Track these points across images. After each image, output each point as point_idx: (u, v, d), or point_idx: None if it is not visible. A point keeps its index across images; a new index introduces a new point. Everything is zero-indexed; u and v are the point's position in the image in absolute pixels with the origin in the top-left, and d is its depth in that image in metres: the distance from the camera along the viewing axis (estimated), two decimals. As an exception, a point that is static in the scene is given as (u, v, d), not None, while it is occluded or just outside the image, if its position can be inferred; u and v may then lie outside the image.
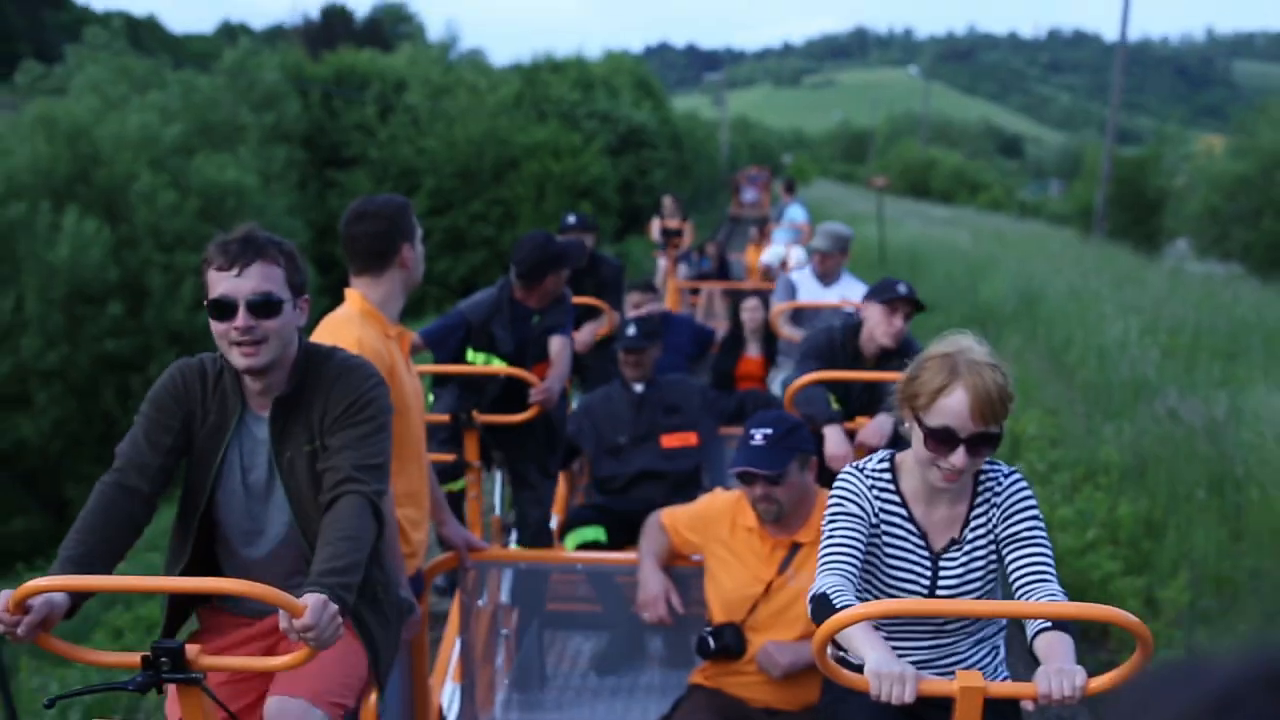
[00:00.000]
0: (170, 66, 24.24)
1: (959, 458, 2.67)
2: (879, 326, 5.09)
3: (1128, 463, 8.01)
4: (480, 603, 4.34)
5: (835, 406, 5.16)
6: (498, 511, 5.73)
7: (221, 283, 2.75)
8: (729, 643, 3.72)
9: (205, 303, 2.78)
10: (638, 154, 29.29)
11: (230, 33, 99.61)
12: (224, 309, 2.74)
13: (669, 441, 5.77)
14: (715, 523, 3.88)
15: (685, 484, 5.67)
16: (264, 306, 2.74)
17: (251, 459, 2.89)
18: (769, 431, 3.69)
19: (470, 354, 5.50)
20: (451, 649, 4.36)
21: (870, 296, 5.25)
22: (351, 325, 3.53)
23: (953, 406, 2.66)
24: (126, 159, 15.76)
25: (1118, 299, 13.91)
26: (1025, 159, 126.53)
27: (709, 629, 3.78)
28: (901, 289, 5.13)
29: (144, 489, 2.77)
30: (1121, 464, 8.00)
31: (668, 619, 3.91)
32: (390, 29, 61.56)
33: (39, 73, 28.39)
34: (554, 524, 5.94)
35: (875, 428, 4.96)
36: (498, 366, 5.30)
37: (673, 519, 4.01)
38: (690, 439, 5.79)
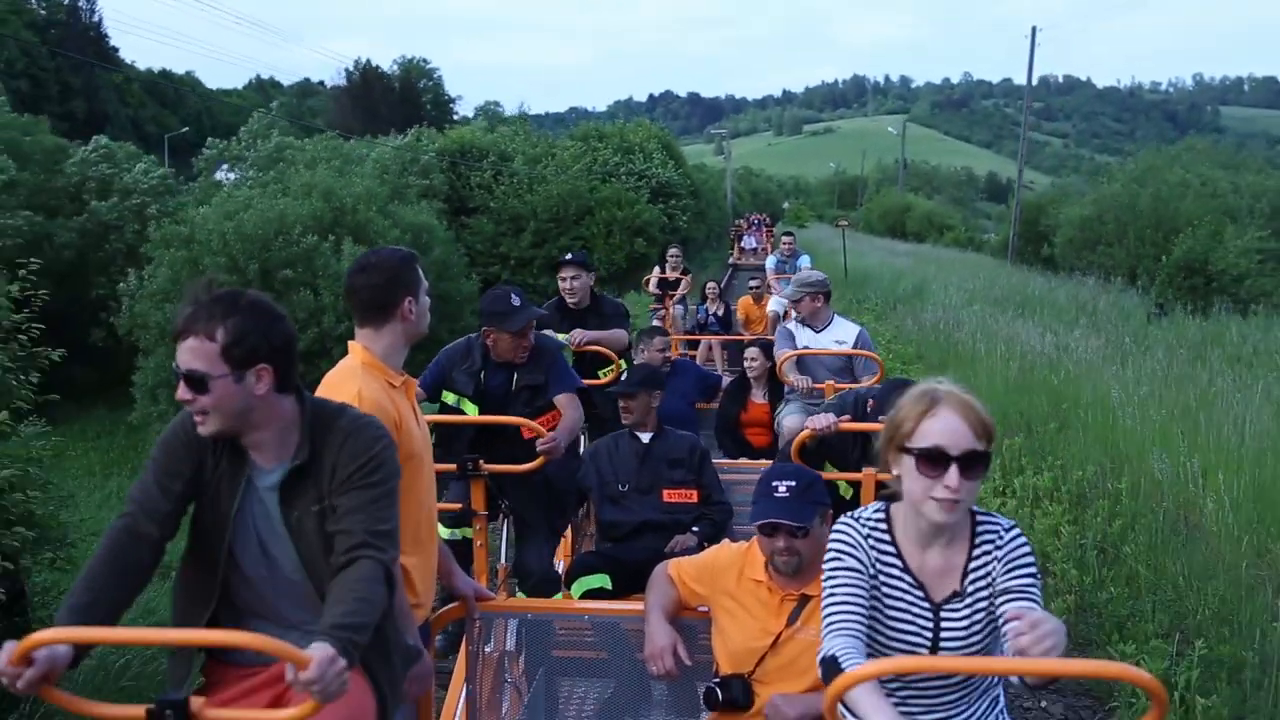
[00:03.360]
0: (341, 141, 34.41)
1: (953, 478, 2.59)
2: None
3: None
4: (487, 649, 4.25)
5: (847, 497, 5.31)
6: (504, 560, 5.77)
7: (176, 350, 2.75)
8: (736, 695, 3.64)
9: None
10: (667, 203, 39.09)
11: (263, 88, 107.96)
12: (175, 377, 2.75)
13: (670, 495, 5.75)
14: (722, 574, 3.77)
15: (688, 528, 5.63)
16: (189, 381, 2.71)
17: (262, 519, 2.86)
18: (792, 484, 3.60)
19: (445, 394, 5.56)
20: (457, 698, 4.16)
21: (881, 406, 5.11)
22: (353, 378, 3.46)
23: (940, 425, 2.62)
24: (362, 208, 25.69)
25: (965, 285, 24.02)
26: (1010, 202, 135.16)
27: (716, 680, 3.69)
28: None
29: (154, 534, 2.74)
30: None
31: (675, 672, 3.70)
32: (416, 81, 68.84)
33: (221, 146, 38.70)
34: (560, 568, 5.88)
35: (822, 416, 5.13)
36: (504, 417, 5.23)
37: (679, 570, 3.87)
38: (691, 495, 5.75)
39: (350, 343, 3.65)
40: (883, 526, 2.82)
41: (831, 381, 7.29)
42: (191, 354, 2.70)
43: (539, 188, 32.97)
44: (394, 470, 2.86)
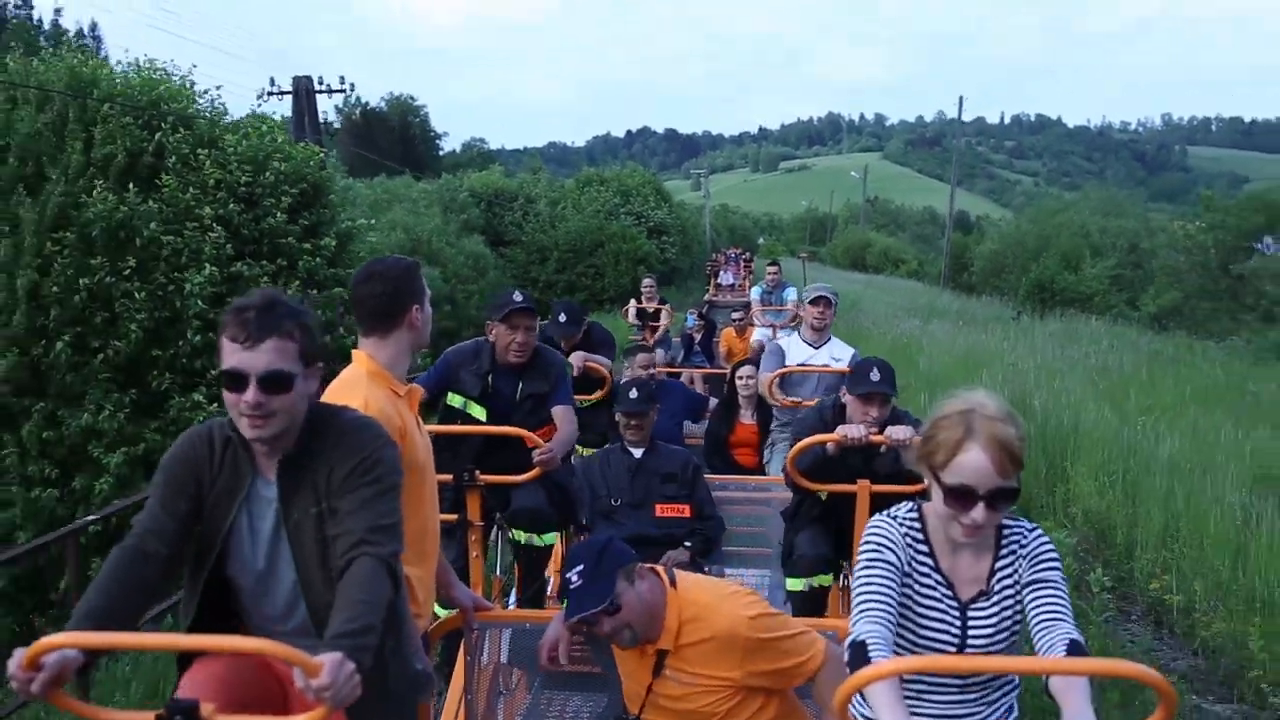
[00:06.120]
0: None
1: (979, 513, 2.64)
2: (856, 416, 5.11)
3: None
4: (483, 661, 4.23)
5: (824, 498, 5.27)
6: (498, 572, 5.69)
7: (234, 355, 2.72)
8: None
9: (219, 371, 2.74)
10: (659, 239, 47.17)
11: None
12: (235, 381, 2.71)
13: (663, 510, 5.80)
14: None
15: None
16: (275, 383, 2.71)
17: (260, 522, 2.85)
18: (581, 567, 3.44)
19: (450, 396, 5.54)
20: (455, 709, 4.16)
21: (848, 387, 5.24)
22: (359, 386, 3.46)
23: (970, 464, 2.63)
24: (435, 240, 33.62)
25: (894, 302, 32.21)
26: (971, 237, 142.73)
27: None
28: (874, 377, 5.13)
29: (163, 551, 2.74)
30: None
31: (548, 667, 3.69)
32: (406, 118, 70.96)
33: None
34: (551, 585, 5.81)
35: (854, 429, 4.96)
36: (505, 428, 5.22)
37: None
38: (684, 510, 5.82)
39: (354, 351, 3.64)
40: (917, 526, 2.84)
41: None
42: (277, 354, 2.70)
43: (559, 225, 41.21)
44: (393, 468, 2.84)
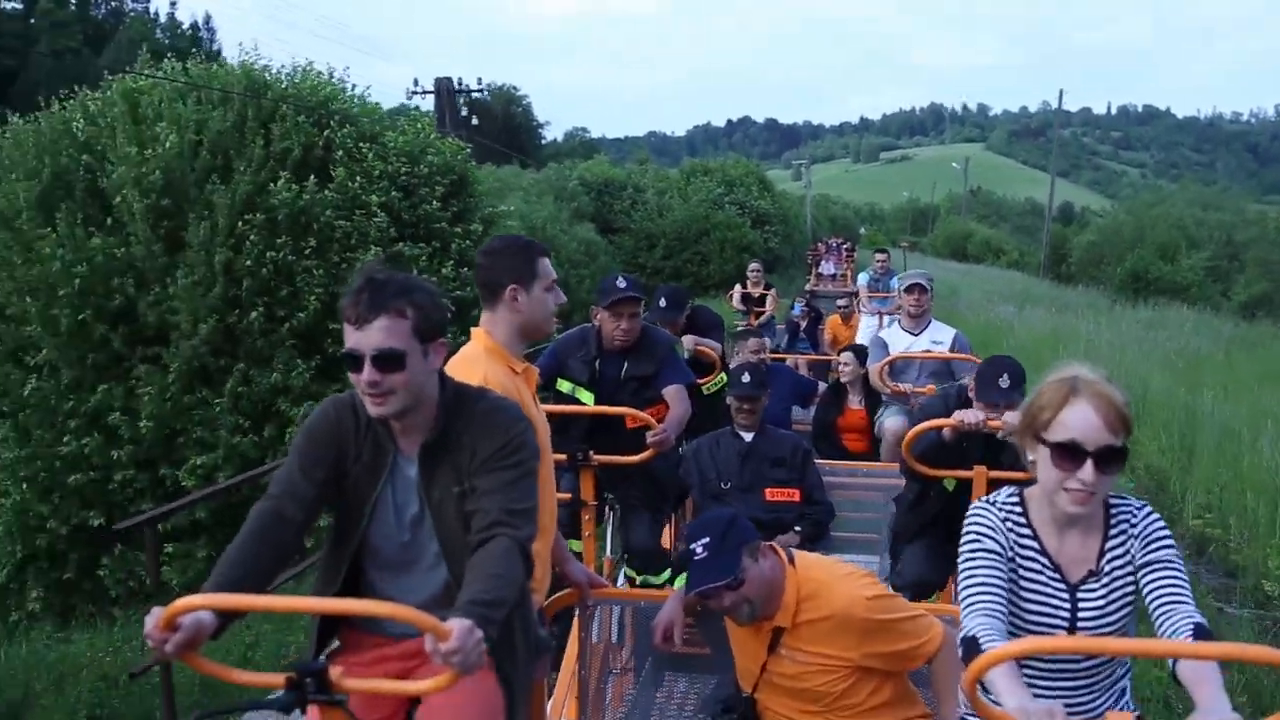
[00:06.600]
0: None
1: (1088, 473, 2.59)
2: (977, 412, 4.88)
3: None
4: (594, 638, 4.24)
5: (949, 487, 5.09)
6: (609, 553, 5.73)
7: (350, 336, 2.78)
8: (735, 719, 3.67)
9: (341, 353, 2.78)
10: (762, 229, 48.55)
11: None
12: (353, 362, 2.77)
13: (773, 495, 5.81)
14: None
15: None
16: (388, 361, 2.74)
17: (405, 498, 2.91)
18: (707, 539, 3.45)
19: (559, 382, 5.58)
20: (567, 686, 4.17)
21: (976, 394, 5.02)
22: (477, 363, 3.49)
23: (1077, 419, 2.60)
24: (550, 227, 35.34)
25: (990, 289, 33.31)
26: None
27: (720, 704, 3.76)
28: (1004, 384, 4.93)
29: (299, 516, 2.80)
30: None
31: (662, 647, 3.73)
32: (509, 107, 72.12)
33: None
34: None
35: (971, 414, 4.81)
36: (615, 408, 5.29)
37: None
38: (794, 495, 5.83)
39: (474, 329, 3.68)
40: (1019, 511, 2.81)
41: (932, 385, 7.13)
42: (386, 333, 2.73)
43: (666, 214, 42.93)
44: (533, 452, 2.89)
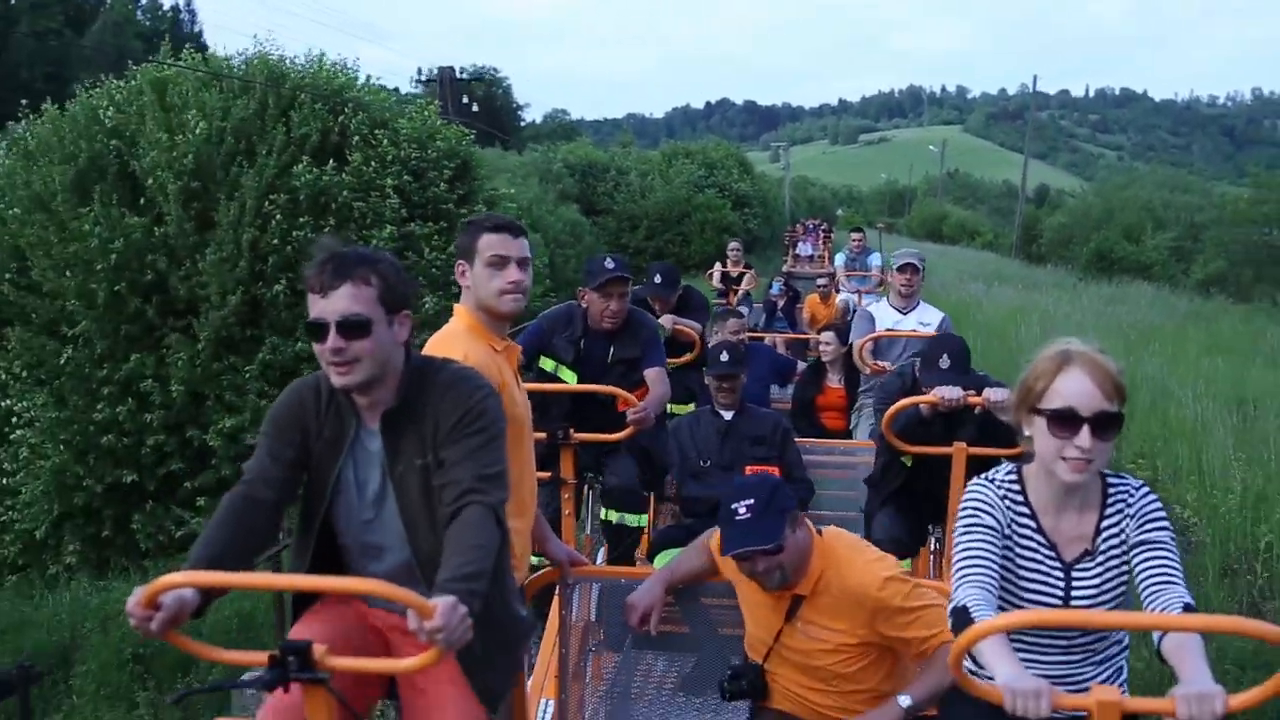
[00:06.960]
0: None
1: (1084, 439, 2.60)
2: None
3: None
4: (574, 616, 4.26)
5: (907, 463, 5.25)
6: (588, 531, 5.73)
7: (314, 305, 2.77)
8: (745, 688, 3.69)
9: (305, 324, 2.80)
10: (742, 210, 49.69)
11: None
12: (316, 331, 2.77)
13: (753, 472, 5.64)
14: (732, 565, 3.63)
15: None
16: (352, 328, 2.73)
17: (366, 472, 2.91)
18: (751, 501, 3.42)
19: (542, 360, 5.54)
20: (547, 664, 4.23)
21: (920, 375, 5.21)
22: (458, 340, 3.51)
23: (1072, 386, 2.62)
24: (536, 208, 36.20)
25: (962, 269, 34.63)
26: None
27: (730, 671, 3.73)
28: (944, 364, 5.07)
29: (271, 497, 2.83)
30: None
31: (638, 630, 3.79)
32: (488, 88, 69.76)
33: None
34: (641, 547, 5.88)
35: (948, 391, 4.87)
36: (599, 386, 5.25)
37: (716, 545, 3.73)
38: (774, 472, 5.64)
39: (455, 305, 3.72)
40: (1016, 488, 2.82)
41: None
42: (351, 299, 2.73)
43: (649, 195, 44.12)
44: (497, 417, 2.85)
